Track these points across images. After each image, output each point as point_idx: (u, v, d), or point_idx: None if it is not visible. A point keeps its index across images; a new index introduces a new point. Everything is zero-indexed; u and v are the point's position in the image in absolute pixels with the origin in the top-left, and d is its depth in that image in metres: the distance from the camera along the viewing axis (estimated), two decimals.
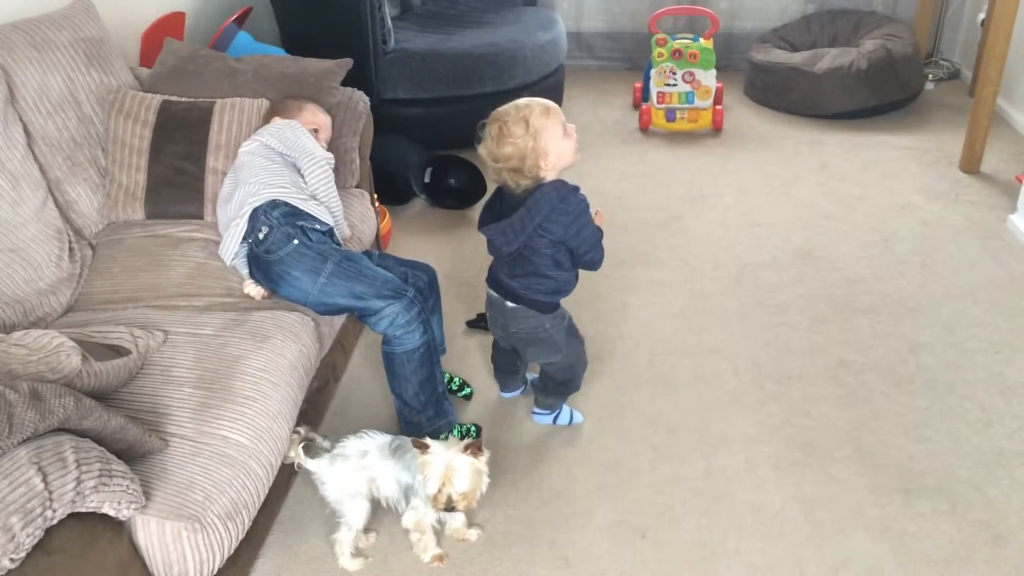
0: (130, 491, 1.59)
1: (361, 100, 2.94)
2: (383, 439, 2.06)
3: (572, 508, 2.26)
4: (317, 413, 2.49)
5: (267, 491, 1.92)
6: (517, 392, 2.65)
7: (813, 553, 2.11)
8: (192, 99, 2.71)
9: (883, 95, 4.45)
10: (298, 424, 2.10)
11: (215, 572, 1.76)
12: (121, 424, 1.67)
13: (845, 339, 2.86)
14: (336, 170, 2.74)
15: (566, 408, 2.53)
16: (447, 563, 2.10)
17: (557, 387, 2.47)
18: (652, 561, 2.11)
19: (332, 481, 2.03)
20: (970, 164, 3.92)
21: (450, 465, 1.90)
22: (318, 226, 2.34)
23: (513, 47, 4.10)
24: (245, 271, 2.37)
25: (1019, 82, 4.28)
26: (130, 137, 2.61)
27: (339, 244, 2.44)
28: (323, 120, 2.64)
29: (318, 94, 2.77)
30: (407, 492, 2.03)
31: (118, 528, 1.63)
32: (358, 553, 2.11)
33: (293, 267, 2.26)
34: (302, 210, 2.33)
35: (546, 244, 2.12)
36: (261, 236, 2.28)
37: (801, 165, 4.08)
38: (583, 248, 2.16)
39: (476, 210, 3.72)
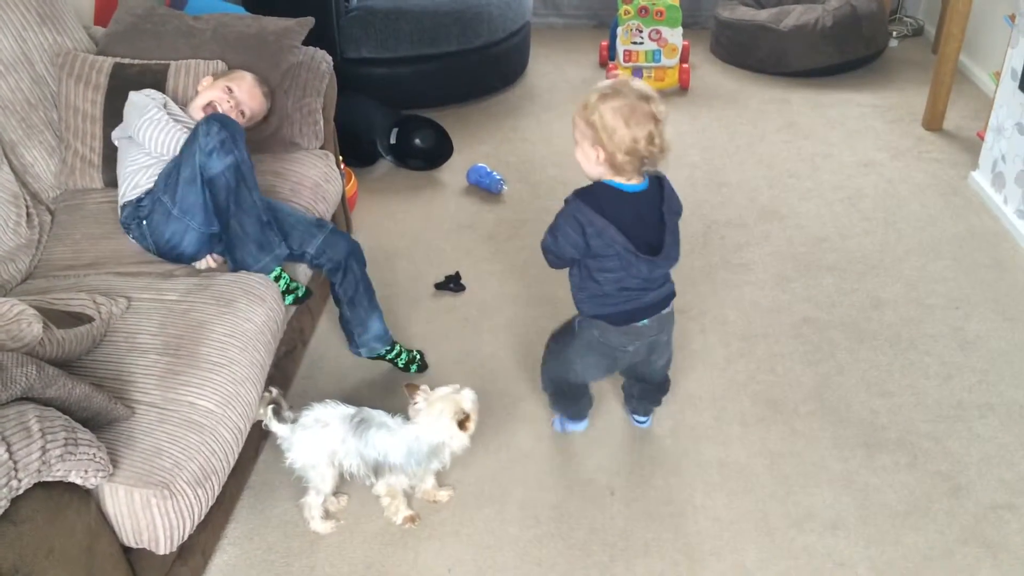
0: (97, 459, 1.58)
1: (324, 60, 2.88)
2: (345, 411, 2.04)
3: (542, 468, 2.28)
4: (285, 377, 2.47)
5: (237, 456, 1.91)
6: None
7: (778, 507, 2.15)
8: (145, 61, 2.64)
9: (848, 52, 4.46)
10: (268, 386, 2.09)
11: (185, 538, 1.75)
12: (86, 392, 1.65)
13: (810, 296, 2.90)
14: (301, 130, 2.72)
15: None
16: (419, 524, 2.12)
17: (665, 383, 2.31)
18: (621, 517, 2.14)
19: (295, 449, 2.02)
20: (933, 121, 3.96)
21: (452, 396, 2.01)
22: (144, 200, 2.30)
23: (478, 5, 4.04)
24: None
25: (982, 39, 4.30)
26: (82, 103, 2.54)
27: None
28: (246, 91, 2.54)
29: (278, 53, 2.71)
30: (376, 468, 2.02)
31: (86, 497, 1.61)
32: (328, 516, 2.12)
33: (160, 234, 2.25)
34: (134, 199, 2.31)
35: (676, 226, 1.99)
36: (135, 242, 2.32)
37: (767, 123, 4.09)
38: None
39: (443, 171, 3.69)
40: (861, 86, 4.45)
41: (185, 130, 2.32)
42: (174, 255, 2.29)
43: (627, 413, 2.42)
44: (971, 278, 2.96)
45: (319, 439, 2.00)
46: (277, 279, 2.27)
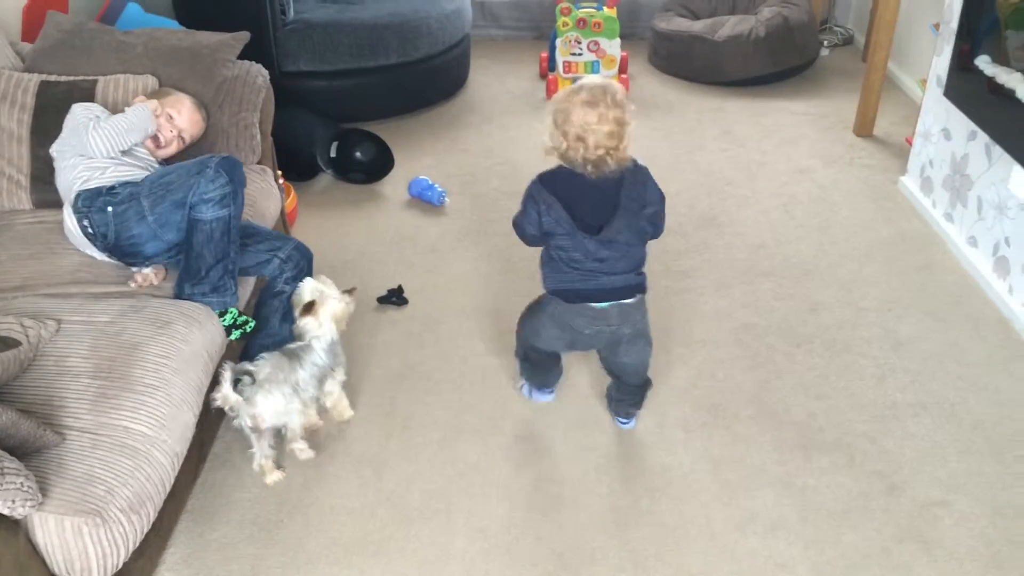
0: (24, 488, 1.53)
1: (260, 73, 2.85)
2: (273, 361, 2.18)
3: (487, 479, 2.28)
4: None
5: (173, 481, 1.87)
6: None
7: (721, 510, 2.18)
8: (72, 78, 2.58)
9: (781, 62, 4.55)
10: (221, 364, 2.12)
11: (120, 566, 1.71)
12: (12, 419, 1.61)
13: (748, 302, 2.94)
14: (237, 145, 2.69)
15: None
16: (363, 548, 2.10)
17: (645, 383, 2.36)
18: (568, 526, 2.14)
19: (266, 411, 2.13)
20: (863, 128, 4.06)
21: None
22: (117, 187, 2.29)
23: (417, 17, 4.04)
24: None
25: (909, 47, 4.43)
26: (7, 121, 2.48)
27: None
28: (186, 118, 2.55)
29: (212, 67, 2.68)
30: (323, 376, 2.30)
31: (14, 527, 1.57)
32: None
33: (126, 228, 2.24)
34: (94, 187, 2.28)
35: (646, 220, 2.08)
36: (90, 229, 2.26)
37: (704, 132, 4.16)
38: (662, 212, 2.13)
39: (385, 184, 3.67)
40: (794, 94, 4.55)
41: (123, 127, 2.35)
42: (129, 251, 2.27)
43: (611, 415, 2.46)
44: (902, 280, 3.04)
45: (281, 389, 2.13)
46: (222, 315, 2.26)
